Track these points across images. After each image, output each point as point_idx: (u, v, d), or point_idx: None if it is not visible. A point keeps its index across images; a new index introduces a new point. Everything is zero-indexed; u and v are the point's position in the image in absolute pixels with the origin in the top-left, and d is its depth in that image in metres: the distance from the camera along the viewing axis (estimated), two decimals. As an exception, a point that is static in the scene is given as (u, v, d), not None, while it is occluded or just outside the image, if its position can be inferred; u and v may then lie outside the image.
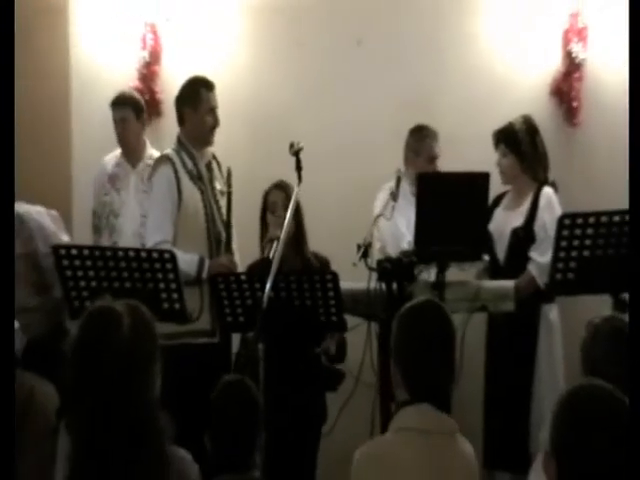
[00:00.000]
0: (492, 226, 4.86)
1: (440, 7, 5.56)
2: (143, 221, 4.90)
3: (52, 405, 2.89)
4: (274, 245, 4.05)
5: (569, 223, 3.94)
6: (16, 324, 4.60)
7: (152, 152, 5.18)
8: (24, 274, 4.44)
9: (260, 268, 4.25)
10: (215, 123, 4.64)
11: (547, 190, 4.92)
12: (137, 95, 5.34)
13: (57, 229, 4.83)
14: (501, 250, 4.92)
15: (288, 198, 4.26)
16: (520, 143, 4.93)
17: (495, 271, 4.81)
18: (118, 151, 5.22)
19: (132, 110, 5.14)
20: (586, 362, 3.07)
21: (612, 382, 2.28)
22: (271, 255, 3.94)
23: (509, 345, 4.83)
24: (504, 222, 4.95)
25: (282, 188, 4.56)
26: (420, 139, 5.06)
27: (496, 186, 4.64)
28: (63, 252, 4.00)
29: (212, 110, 4.64)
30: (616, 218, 3.95)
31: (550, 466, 2.15)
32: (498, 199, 4.99)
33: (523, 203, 4.95)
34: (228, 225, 4.56)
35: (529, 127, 4.96)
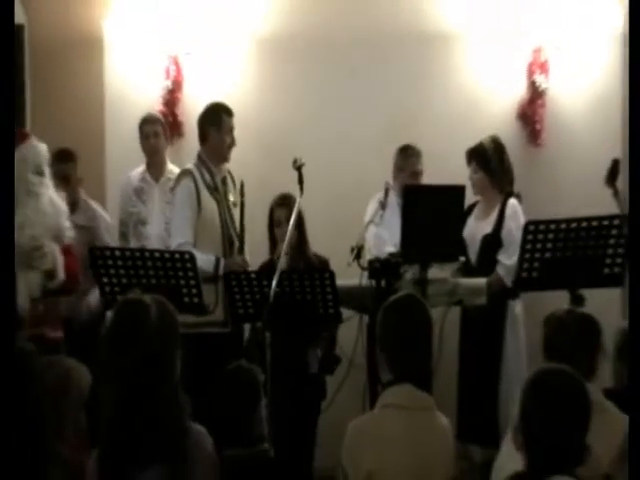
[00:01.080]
0: (465, 232, 4.83)
1: (424, 42, 5.55)
2: (167, 227, 4.90)
3: (85, 383, 2.91)
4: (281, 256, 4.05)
5: (533, 229, 3.94)
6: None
7: (171, 167, 5.18)
8: (80, 246, 4.42)
9: (269, 267, 4.31)
10: (232, 143, 4.65)
11: (512, 201, 4.91)
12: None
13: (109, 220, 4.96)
14: (473, 253, 4.90)
15: (290, 212, 4.24)
16: (489, 161, 4.91)
17: (468, 272, 4.80)
18: (141, 167, 5.21)
19: (161, 127, 5.17)
20: (548, 348, 3.06)
21: (573, 365, 2.29)
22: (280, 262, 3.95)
23: (480, 335, 4.80)
24: (475, 229, 4.93)
25: (284, 204, 4.55)
26: (405, 157, 5.04)
27: (467, 196, 4.63)
28: (98, 253, 3.99)
29: (230, 131, 4.65)
30: (574, 225, 3.94)
31: (518, 437, 2.16)
32: (470, 208, 4.97)
33: (492, 213, 4.93)
34: (242, 230, 4.55)
35: (497, 146, 4.95)
